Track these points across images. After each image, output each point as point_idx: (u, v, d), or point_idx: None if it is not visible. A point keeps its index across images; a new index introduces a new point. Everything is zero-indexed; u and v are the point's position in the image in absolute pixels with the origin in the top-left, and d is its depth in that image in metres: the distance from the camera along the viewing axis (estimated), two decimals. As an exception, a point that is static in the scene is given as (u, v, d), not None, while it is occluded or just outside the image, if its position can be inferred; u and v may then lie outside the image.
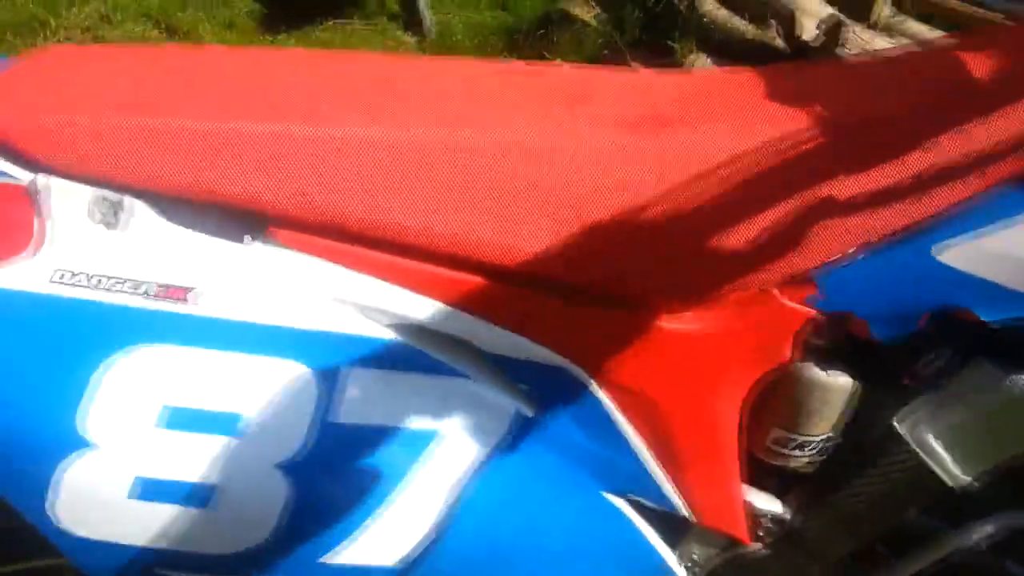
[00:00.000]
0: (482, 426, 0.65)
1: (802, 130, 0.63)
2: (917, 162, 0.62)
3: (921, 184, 0.62)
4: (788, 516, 0.77)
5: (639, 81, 0.71)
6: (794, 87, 0.69)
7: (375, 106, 0.65)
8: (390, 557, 0.63)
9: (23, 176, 0.59)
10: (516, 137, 0.63)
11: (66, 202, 0.59)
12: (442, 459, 0.64)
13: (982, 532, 0.77)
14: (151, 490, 0.58)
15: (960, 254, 0.63)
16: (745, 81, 0.69)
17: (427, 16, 2.77)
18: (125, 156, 0.59)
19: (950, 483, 0.73)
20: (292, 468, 0.61)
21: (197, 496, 0.59)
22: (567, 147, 0.62)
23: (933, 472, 0.73)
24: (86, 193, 0.59)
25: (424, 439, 0.63)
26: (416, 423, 0.63)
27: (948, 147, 0.62)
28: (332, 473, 0.62)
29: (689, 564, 0.78)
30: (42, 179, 0.59)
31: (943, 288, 0.64)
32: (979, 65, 0.64)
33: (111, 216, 0.59)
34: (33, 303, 0.57)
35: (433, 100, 0.68)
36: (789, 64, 0.80)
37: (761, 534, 0.78)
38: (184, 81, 0.67)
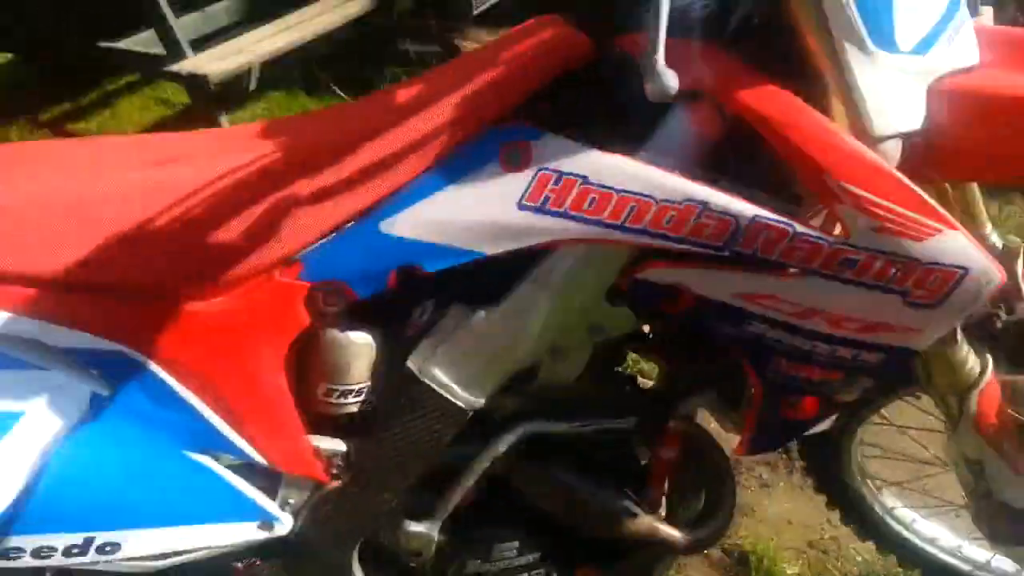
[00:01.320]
0: (61, 405, 0.85)
1: (273, 153, 0.89)
2: (360, 162, 0.88)
3: (365, 178, 0.88)
4: (352, 455, 0.99)
5: (178, 138, 0.97)
6: (278, 128, 0.97)
7: None
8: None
9: None
10: (77, 190, 0.87)
11: None
12: (27, 434, 0.84)
13: (507, 442, 1.02)
14: None
15: (400, 226, 0.88)
16: (249, 130, 0.95)
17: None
18: None
19: (464, 407, 0.97)
20: None
21: None
22: (107, 187, 0.87)
23: (449, 400, 0.97)
24: None
25: (10, 419, 0.83)
26: (5, 404, 0.83)
27: (383, 147, 0.88)
28: None
29: (286, 508, 0.99)
30: None
31: (397, 252, 0.89)
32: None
33: None
34: None
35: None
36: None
37: (336, 472, 0.99)
38: None
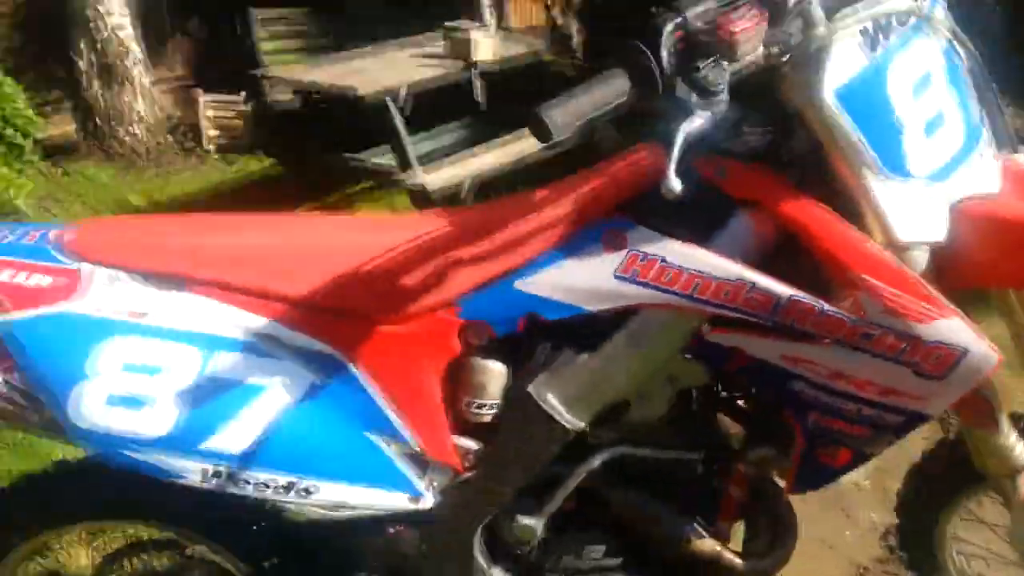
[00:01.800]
0: (290, 385, 1.25)
1: (447, 229, 1.28)
2: (504, 237, 1.24)
3: (507, 249, 1.24)
4: (483, 454, 1.32)
5: (385, 218, 1.38)
6: (452, 215, 1.35)
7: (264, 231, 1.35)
8: (244, 443, 1.22)
9: (76, 264, 1.27)
10: (317, 242, 1.31)
11: (98, 273, 1.26)
12: (267, 402, 1.24)
13: (600, 460, 1.31)
14: (123, 400, 1.21)
15: (529, 284, 1.24)
16: (432, 215, 1.35)
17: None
18: (133, 256, 1.28)
19: (569, 427, 1.28)
20: (196, 393, 1.22)
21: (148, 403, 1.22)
22: (335, 242, 1.29)
23: (558, 421, 1.28)
24: (104, 271, 1.26)
25: (260, 387, 1.24)
26: (260, 380, 1.24)
27: (521, 229, 1.24)
28: (211, 394, 1.23)
29: (431, 488, 1.32)
30: (85, 266, 1.27)
31: (526, 303, 1.24)
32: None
33: (116, 282, 1.26)
34: (78, 319, 1.23)
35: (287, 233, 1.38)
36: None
37: (470, 466, 1.32)
38: (179, 226, 1.38)
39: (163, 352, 1.23)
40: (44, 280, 1.26)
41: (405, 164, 3.89)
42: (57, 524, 1.49)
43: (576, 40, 6.17)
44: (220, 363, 1.24)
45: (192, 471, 1.23)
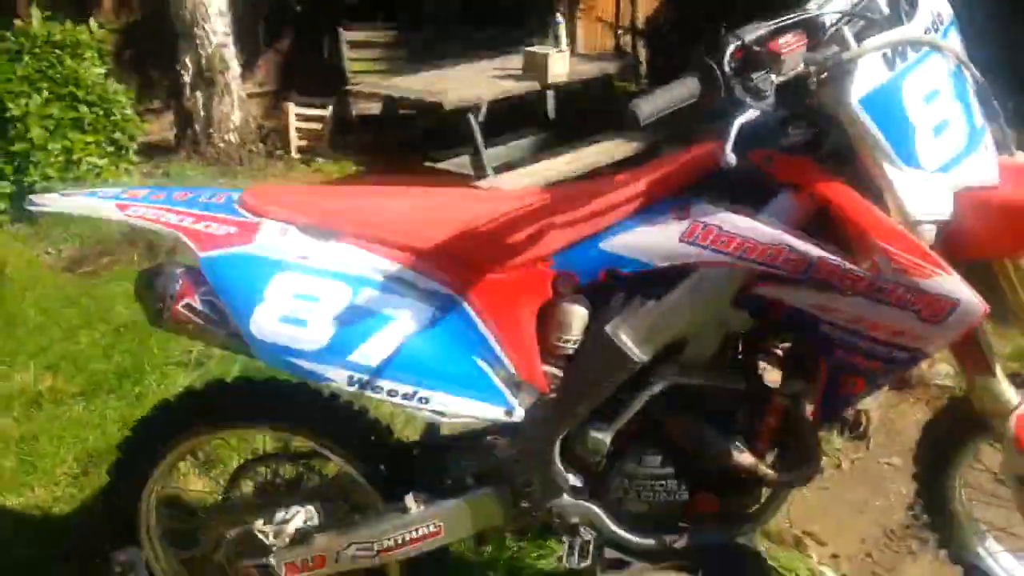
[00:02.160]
0: (416, 317, 1.58)
1: (544, 200, 1.60)
2: (591, 207, 1.57)
3: (593, 216, 1.57)
4: (565, 379, 1.64)
5: (493, 191, 1.72)
6: (550, 191, 1.68)
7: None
8: (378, 358, 1.55)
9: (254, 219, 1.63)
10: (438, 205, 1.65)
11: (270, 225, 1.62)
12: (401, 325, 1.57)
13: (656, 389, 1.62)
14: (289, 320, 1.55)
15: (610, 244, 1.56)
16: (534, 191, 1.68)
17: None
18: (297, 212, 1.64)
19: (636, 360, 1.58)
20: (344, 318, 1.56)
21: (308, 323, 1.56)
22: (454, 207, 1.63)
23: (628, 355, 1.59)
24: (275, 224, 1.62)
25: (392, 316, 1.58)
26: (393, 310, 1.58)
27: (605, 201, 1.56)
28: (355, 319, 1.56)
29: (523, 404, 1.63)
30: (261, 220, 1.63)
31: (607, 259, 1.56)
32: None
33: (284, 233, 1.61)
34: (256, 258, 1.59)
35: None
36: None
37: (554, 388, 1.63)
38: (332, 191, 1.74)
39: (320, 286, 1.58)
40: (231, 229, 1.63)
41: (480, 169, 4.25)
42: (213, 429, 1.84)
43: (642, 63, 6.51)
44: (363, 295, 1.58)
45: (340, 376, 1.56)
